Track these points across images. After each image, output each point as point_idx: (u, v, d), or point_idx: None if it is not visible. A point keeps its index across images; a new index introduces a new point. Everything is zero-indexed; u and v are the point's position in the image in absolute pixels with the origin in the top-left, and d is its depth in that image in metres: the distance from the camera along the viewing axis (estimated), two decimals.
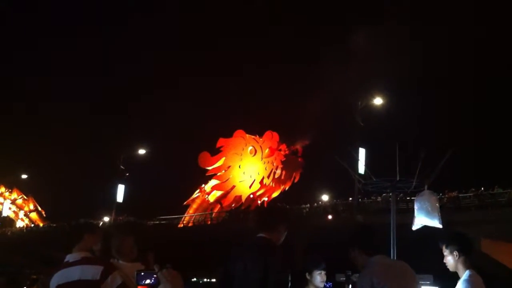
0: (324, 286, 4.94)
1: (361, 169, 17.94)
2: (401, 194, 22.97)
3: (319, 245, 24.08)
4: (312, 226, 29.44)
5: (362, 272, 3.43)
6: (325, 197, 40.50)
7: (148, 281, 2.63)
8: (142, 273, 2.68)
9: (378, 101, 32.43)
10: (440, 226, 6.50)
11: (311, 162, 43.24)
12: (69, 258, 3.70)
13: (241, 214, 39.48)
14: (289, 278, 3.63)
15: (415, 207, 6.68)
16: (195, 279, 35.20)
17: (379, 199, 29.94)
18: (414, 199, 7.17)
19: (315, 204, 36.88)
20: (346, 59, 48.70)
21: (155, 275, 2.60)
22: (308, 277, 4.73)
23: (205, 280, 34.30)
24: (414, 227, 6.67)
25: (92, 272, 3.51)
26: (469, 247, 4.07)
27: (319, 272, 4.75)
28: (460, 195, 28.61)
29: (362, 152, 29.08)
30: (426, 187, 6.97)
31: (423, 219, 6.54)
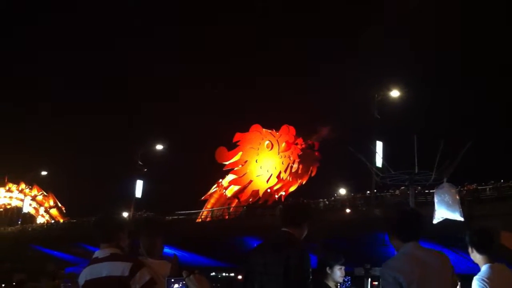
0: (343, 281, 4.95)
1: (379, 162, 17.87)
2: (419, 187, 22.84)
3: (337, 240, 24.03)
4: (329, 220, 29.37)
5: (388, 261, 3.37)
6: (342, 191, 40.37)
7: (176, 286, 2.69)
8: (172, 279, 2.74)
9: (395, 93, 32.19)
10: (462, 219, 6.42)
11: (328, 156, 43.14)
12: (98, 254, 3.73)
13: (259, 209, 39.54)
14: (310, 271, 3.68)
15: (435, 200, 6.61)
16: (213, 273, 35.37)
17: (397, 192, 29.76)
18: (433, 192, 7.10)
19: (332, 198, 36.77)
20: (364, 52, 48.37)
21: (183, 281, 2.66)
22: (328, 271, 4.73)
23: (223, 274, 34.44)
24: (435, 220, 6.59)
25: (121, 268, 3.54)
26: (486, 242, 3.91)
27: (339, 267, 4.76)
28: (479, 187, 28.33)
29: (379, 145, 28.91)
30: (445, 179, 6.91)
31: (444, 212, 6.47)
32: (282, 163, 42.40)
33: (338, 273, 4.74)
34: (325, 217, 30.02)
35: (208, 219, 41.92)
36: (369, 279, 5.48)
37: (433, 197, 6.65)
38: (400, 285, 3.15)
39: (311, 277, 3.70)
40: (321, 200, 35.74)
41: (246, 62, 67.25)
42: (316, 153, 43.05)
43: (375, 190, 31.13)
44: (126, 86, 71.60)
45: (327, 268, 4.73)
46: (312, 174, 42.85)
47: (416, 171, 7.19)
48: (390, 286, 3.19)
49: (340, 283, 4.85)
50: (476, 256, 3.90)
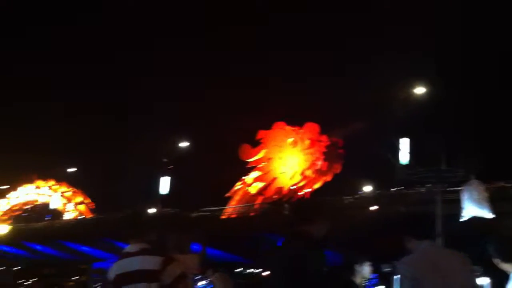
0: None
1: (405, 159, 17.73)
2: (446, 185, 22.61)
3: (362, 237, 23.92)
4: (354, 217, 29.25)
5: (404, 258, 3.43)
6: (367, 188, 40.09)
7: (201, 283, 2.77)
8: (198, 276, 2.81)
9: (420, 90, 31.73)
10: (491, 216, 6.38)
11: (353, 153, 42.84)
12: (129, 249, 3.81)
13: (283, 206, 39.57)
14: (325, 269, 3.64)
15: (463, 197, 6.58)
16: (239, 269, 35.58)
17: (422, 190, 29.45)
18: (460, 189, 7.05)
19: (357, 195, 36.59)
20: (388, 46, 47.88)
21: (208, 278, 2.73)
22: (358, 268, 4.78)
23: (248, 271, 34.61)
24: (463, 218, 6.56)
25: (152, 262, 3.62)
26: (505, 253, 3.55)
27: (368, 263, 4.81)
28: (506, 185, 27.88)
29: (405, 142, 28.61)
30: (473, 177, 6.85)
31: (472, 209, 6.44)
32: (306, 161, 42.36)
33: (367, 269, 4.80)
34: (350, 214, 29.91)
35: (232, 216, 42.10)
36: (397, 276, 5.47)
37: (460, 195, 6.62)
38: (416, 280, 3.20)
39: (323, 274, 3.62)
40: (346, 197, 35.58)
41: (270, 60, 67.14)
42: (340, 151, 42.88)
43: (400, 187, 30.90)
44: (138, 86, 72.02)
45: (357, 265, 4.77)
46: (336, 172, 42.71)
47: (443, 168, 7.14)
48: (407, 281, 3.25)
49: (367, 280, 4.90)
50: (503, 266, 3.65)
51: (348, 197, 35.76)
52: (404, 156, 19.69)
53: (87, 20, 74.68)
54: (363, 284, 4.88)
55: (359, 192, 38.47)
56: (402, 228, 3.58)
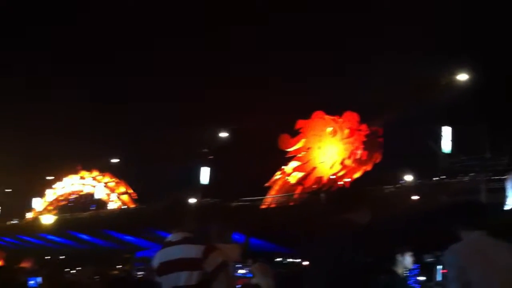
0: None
1: (447, 148, 17.43)
2: (491, 173, 22.02)
3: (404, 227, 23.62)
4: (395, 207, 28.89)
5: (452, 246, 3.38)
6: (408, 177, 39.50)
7: (241, 272, 2.83)
8: (238, 265, 2.87)
9: (463, 76, 30.94)
10: None
11: (393, 142, 42.22)
12: (171, 238, 3.90)
13: (323, 196, 39.45)
14: (365, 260, 3.53)
15: (507, 186, 6.47)
16: (279, 259, 35.76)
17: (466, 178, 28.81)
18: (504, 178, 6.92)
19: (397, 184, 36.13)
20: (430, 31, 46.88)
21: (248, 268, 2.79)
22: (400, 258, 4.77)
23: (288, 260, 34.74)
24: (507, 207, 6.45)
25: (194, 250, 3.69)
26: None
27: (410, 253, 4.81)
28: None
29: (447, 130, 28.04)
30: None
31: None
32: (346, 150, 42.09)
33: (409, 259, 4.79)
34: (391, 203, 29.56)
35: (272, 205, 42.26)
36: (439, 266, 5.44)
37: (504, 184, 6.49)
38: (462, 268, 3.18)
39: (366, 263, 3.45)
40: (386, 186, 35.18)
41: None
42: (380, 140, 42.38)
43: (442, 177, 30.33)
44: (188, 75, 72.26)
45: (399, 255, 4.76)
46: (376, 161, 42.27)
47: (487, 156, 7.00)
48: (452, 269, 3.23)
49: (409, 270, 4.89)
50: None
51: (389, 186, 35.32)
52: (446, 145, 19.37)
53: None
54: (404, 274, 4.86)
55: (400, 182, 37.98)
56: (447, 218, 3.53)
